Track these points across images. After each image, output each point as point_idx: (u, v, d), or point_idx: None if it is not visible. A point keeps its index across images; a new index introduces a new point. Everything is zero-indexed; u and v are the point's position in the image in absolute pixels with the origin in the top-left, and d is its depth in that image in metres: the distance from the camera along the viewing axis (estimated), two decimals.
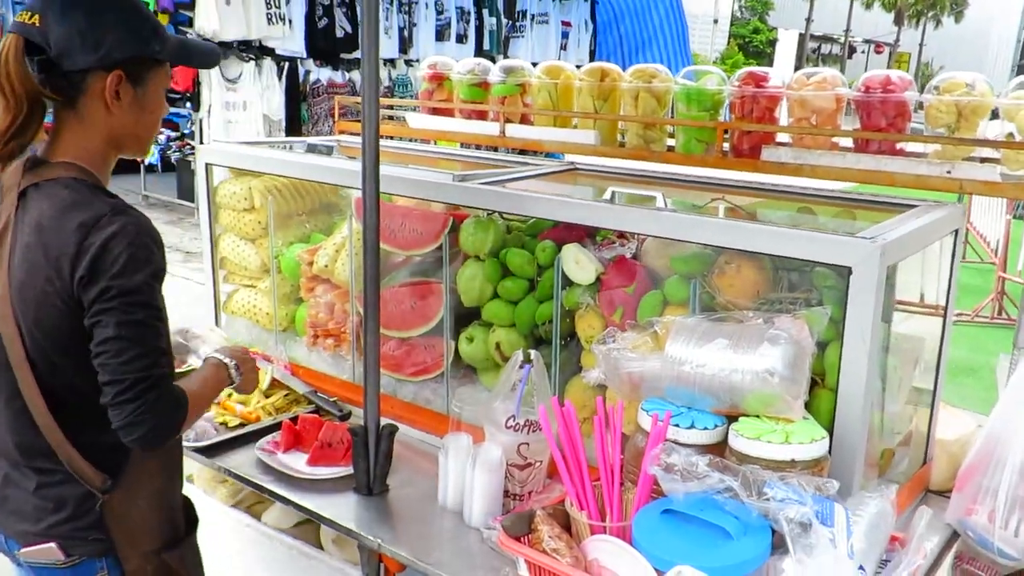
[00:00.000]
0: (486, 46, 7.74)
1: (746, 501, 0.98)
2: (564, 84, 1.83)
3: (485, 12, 7.74)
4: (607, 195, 1.38)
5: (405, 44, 7.17)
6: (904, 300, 1.30)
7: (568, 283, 1.41)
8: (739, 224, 1.23)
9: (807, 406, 1.12)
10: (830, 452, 1.09)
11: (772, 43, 24.96)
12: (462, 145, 2.23)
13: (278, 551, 1.57)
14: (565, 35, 8.52)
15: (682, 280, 1.30)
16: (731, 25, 24.50)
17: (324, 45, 6.67)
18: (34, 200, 1.05)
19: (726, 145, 1.63)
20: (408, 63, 7.29)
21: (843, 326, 1.11)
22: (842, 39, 25.29)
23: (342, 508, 1.34)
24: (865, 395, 1.12)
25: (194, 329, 1.54)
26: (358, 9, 6.75)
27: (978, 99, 1.41)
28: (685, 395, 1.14)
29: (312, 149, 1.90)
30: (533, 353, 1.28)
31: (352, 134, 2.24)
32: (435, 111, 2.06)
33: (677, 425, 1.11)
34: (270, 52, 6.40)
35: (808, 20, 23.12)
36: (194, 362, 1.50)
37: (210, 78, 5.88)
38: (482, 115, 1.96)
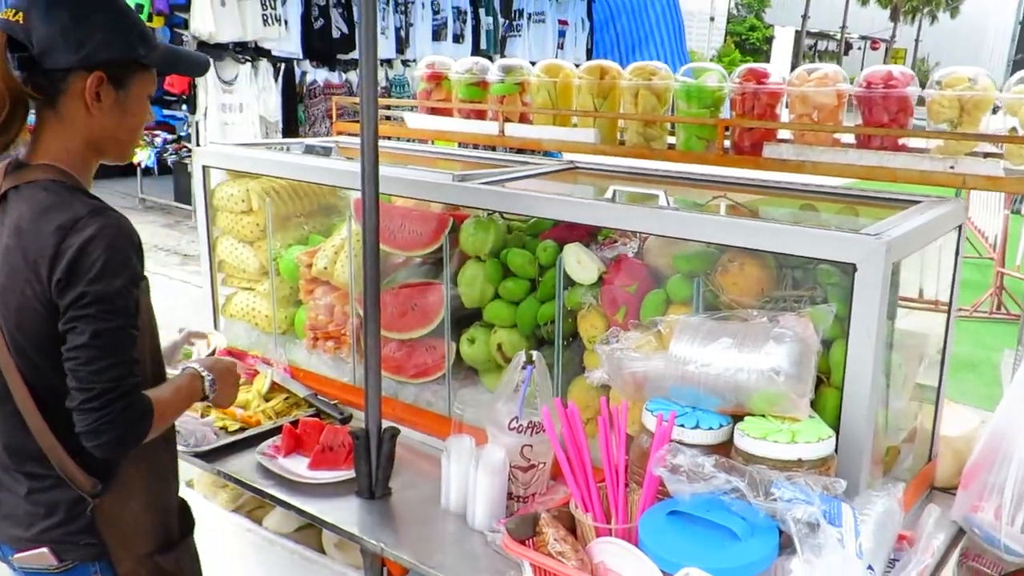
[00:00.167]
0: (483, 46, 7.73)
1: (753, 502, 0.97)
2: (563, 82, 1.82)
3: (481, 12, 7.72)
4: (609, 194, 1.37)
5: (402, 44, 7.16)
6: (903, 296, 1.30)
7: (570, 283, 1.40)
8: (743, 222, 1.22)
9: (812, 405, 1.11)
10: (836, 451, 1.08)
11: (769, 40, 24.98)
12: (460, 145, 2.22)
13: (279, 556, 1.56)
14: (562, 34, 8.51)
15: (685, 279, 1.29)
16: (727, 23, 24.51)
17: (320, 46, 6.66)
18: (14, 203, 1.04)
19: (727, 142, 1.62)
20: (405, 63, 7.27)
21: (848, 324, 1.10)
22: (838, 36, 25.32)
23: (344, 512, 1.33)
24: (871, 393, 1.11)
25: (198, 329, 1.53)
26: (354, 10, 6.73)
27: (980, 94, 1.40)
28: (690, 395, 1.13)
29: (310, 150, 1.89)
30: (535, 354, 1.27)
31: (350, 135, 2.23)
32: (433, 111, 2.05)
33: (682, 425, 1.10)
34: (266, 53, 6.38)
35: (804, 17, 23.14)
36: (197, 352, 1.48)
37: (206, 80, 5.87)
38: (481, 114, 1.95)
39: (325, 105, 6.67)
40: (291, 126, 6.49)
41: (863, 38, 27.64)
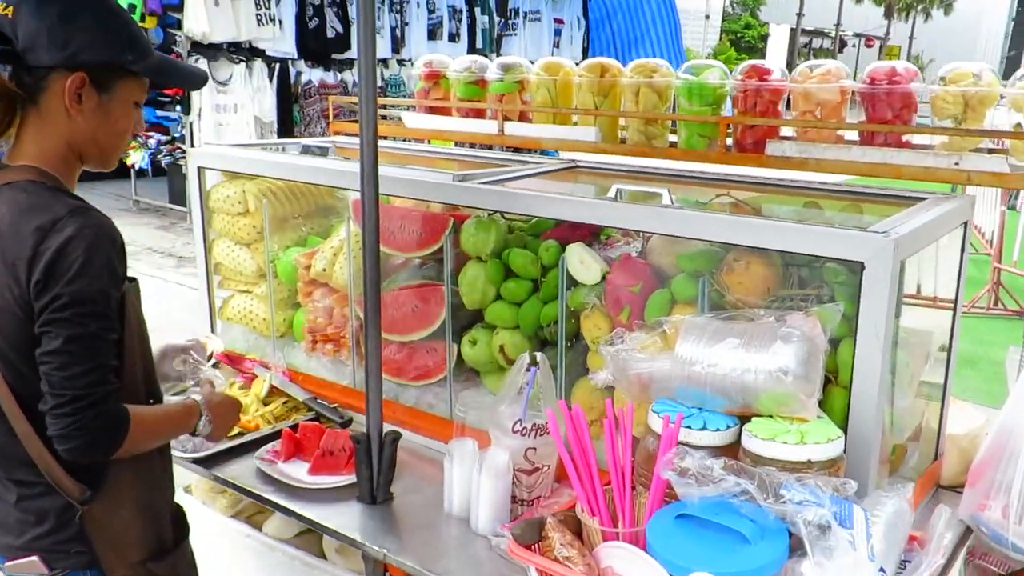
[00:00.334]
0: (479, 44, 7.72)
1: (763, 504, 0.95)
2: (563, 81, 1.81)
3: (477, 10, 7.71)
4: (612, 193, 1.35)
5: (397, 44, 7.14)
6: (904, 293, 1.28)
7: (573, 283, 1.38)
8: (749, 220, 1.20)
9: (820, 404, 1.10)
10: (844, 451, 1.07)
11: (764, 38, 25.02)
12: (455, 144, 2.20)
13: (280, 562, 1.54)
14: (558, 32, 8.50)
15: (690, 278, 1.27)
16: (723, 20, 24.54)
17: (315, 46, 6.63)
18: None
19: (729, 140, 1.61)
20: (400, 63, 7.25)
21: (856, 322, 1.09)
22: (833, 33, 25.39)
23: (346, 518, 1.31)
24: (879, 392, 1.10)
25: (194, 355, 1.50)
26: (349, 9, 6.70)
27: (985, 89, 1.39)
28: (696, 396, 1.11)
29: (307, 151, 1.87)
30: (540, 355, 1.26)
31: (347, 134, 2.20)
32: (432, 110, 2.03)
33: (689, 427, 1.08)
34: (260, 53, 6.35)
35: (799, 15, 23.20)
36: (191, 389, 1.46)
37: None
38: (480, 113, 1.93)
39: (320, 105, 6.64)
40: (286, 126, 6.46)
41: (857, 35, 27.73)
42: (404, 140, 2.27)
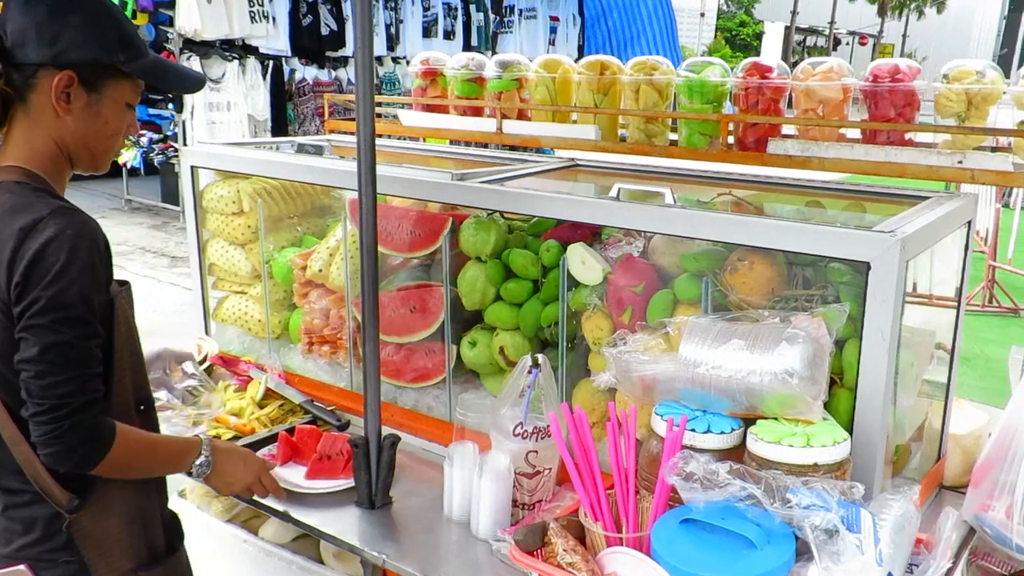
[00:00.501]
0: (474, 42, 7.69)
1: (769, 508, 0.94)
2: (562, 78, 1.79)
3: (472, 8, 7.67)
4: (613, 192, 1.34)
5: (392, 41, 7.10)
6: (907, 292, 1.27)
7: (574, 284, 1.36)
8: (754, 220, 1.19)
9: (825, 406, 1.09)
10: (850, 453, 1.06)
11: (758, 36, 25.06)
12: (451, 142, 2.17)
13: (277, 567, 1.52)
14: (553, 30, 8.48)
15: (693, 278, 1.26)
16: (717, 18, 24.55)
17: (309, 43, 6.58)
18: None
19: (730, 138, 1.59)
20: (395, 60, 7.21)
21: (861, 323, 1.07)
22: (827, 31, 25.45)
23: (344, 523, 1.29)
24: (885, 394, 1.08)
25: (173, 347, 1.47)
26: (343, 6, 6.66)
27: (988, 87, 1.38)
28: (700, 397, 1.10)
29: (302, 149, 1.84)
30: (541, 357, 1.24)
31: (343, 133, 2.18)
32: (428, 108, 2.01)
33: (693, 430, 1.07)
34: (254, 51, 6.30)
35: (793, 13, 23.23)
36: (162, 396, 1.43)
37: None
38: (478, 111, 1.91)
39: (315, 103, 6.60)
40: (280, 124, 6.42)
41: (851, 33, 27.82)
42: (399, 138, 2.25)
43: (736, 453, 1.07)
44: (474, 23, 7.70)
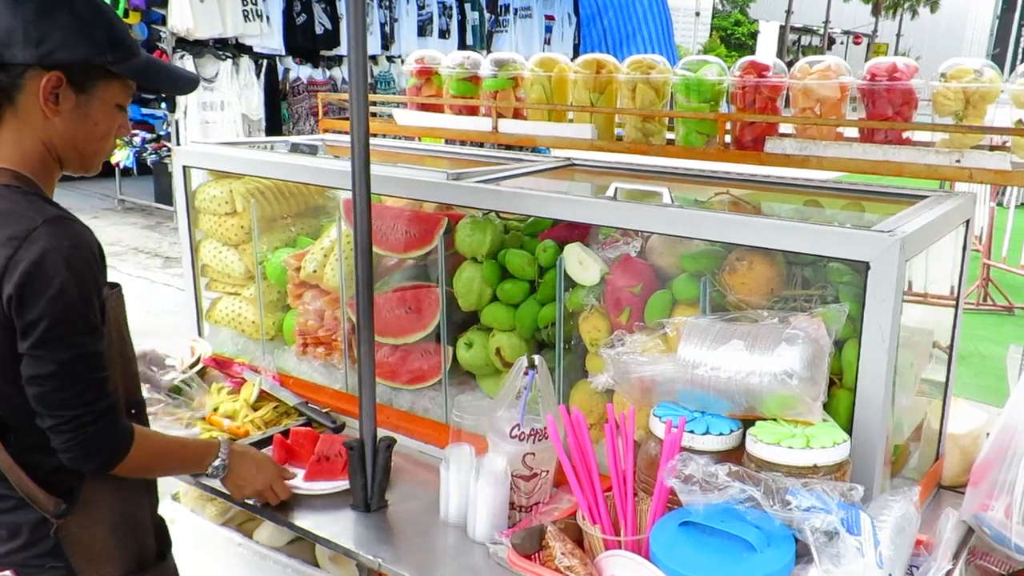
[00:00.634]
0: (469, 41, 7.67)
1: (769, 511, 0.93)
2: (558, 77, 1.77)
3: (467, 7, 7.65)
4: (610, 191, 1.32)
5: (387, 40, 7.07)
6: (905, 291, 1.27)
7: (571, 284, 1.35)
8: (753, 219, 1.18)
9: (824, 407, 1.08)
10: (850, 454, 1.05)
11: (754, 35, 25.14)
12: (447, 142, 2.16)
13: (272, 570, 1.50)
14: (548, 29, 8.46)
15: (691, 278, 1.25)
16: (712, 18, 24.62)
17: (303, 42, 6.55)
18: None
19: (727, 137, 1.58)
20: (390, 59, 7.19)
21: (860, 323, 1.07)
22: (821, 30, 25.55)
23: (339, 526, 1.27)
24: (885, 394, 1.08)
25: (159, 350, 1.45)
26: (337, 5, 6.63)
27: (986, 86, 1.37)
28: (699, 399, 1.09)
29: (296, 149, 1.82)
30: (537, 358, 1.23)
31: (337, 132, 2.16)
32: (424, 107, 1.99)
33: (692, 431, 1.06)
34: (247, 50, 6.26)
35: (788, 12, 23.31)
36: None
37: None
38: (473, 110, 1.90)
39: (309, 102, 6.57)
40: (274, 124, 6.39)
41: (846, 32, 27.93)
42: (394, 138, 2.23)
43: (735, 455, 1.07)
44: (469, 22, 7.68)
